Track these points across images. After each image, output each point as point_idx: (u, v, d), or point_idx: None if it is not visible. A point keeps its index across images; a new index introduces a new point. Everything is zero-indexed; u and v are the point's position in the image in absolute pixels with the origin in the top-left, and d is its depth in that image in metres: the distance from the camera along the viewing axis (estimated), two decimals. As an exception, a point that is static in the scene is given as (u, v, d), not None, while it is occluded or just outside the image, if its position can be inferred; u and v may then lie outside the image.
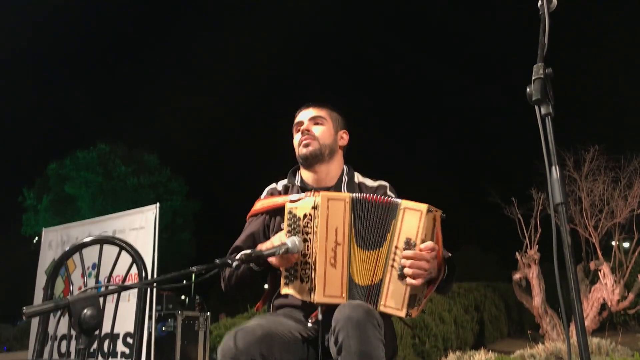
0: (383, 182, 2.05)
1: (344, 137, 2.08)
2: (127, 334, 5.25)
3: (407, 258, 1.62)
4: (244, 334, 1.59)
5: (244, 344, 1.56)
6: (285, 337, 1.68)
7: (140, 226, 5.74)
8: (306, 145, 1.99)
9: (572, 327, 5.48)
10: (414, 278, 1.61)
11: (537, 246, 7.73)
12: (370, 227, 1.71)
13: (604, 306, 7.29)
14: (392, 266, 1.66)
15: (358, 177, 2.06)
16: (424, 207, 1.65)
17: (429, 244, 1.64)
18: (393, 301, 1.64)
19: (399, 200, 1.71)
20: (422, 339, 7.35)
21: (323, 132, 2.01)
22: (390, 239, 1.67)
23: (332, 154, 2.01)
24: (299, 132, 2.03)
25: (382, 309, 1.65)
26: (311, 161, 1.99)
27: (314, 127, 2.02)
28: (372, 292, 1.68)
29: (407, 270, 1.62)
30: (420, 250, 1.62)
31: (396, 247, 1.66)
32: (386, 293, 1.65)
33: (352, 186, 1.99)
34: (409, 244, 1.64)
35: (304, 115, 2.05)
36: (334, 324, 1.56)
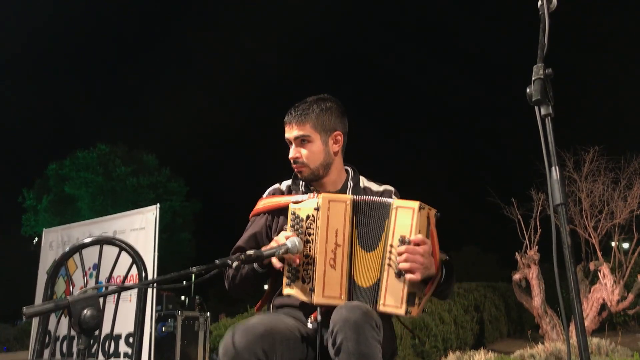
0: (389, 187, 2.03)
1: (338, 141, 1.98)
2: (129, 335, 5.25)
3: (401, 253, 1.62)
4: (246, 331, 1.59)
5: (245, 340, 1.56)
6: (286, 335, 1.68)
7: (140, 227, 5.75)
8: (299, 172, 1.96)
9: (572, 328, 5.48)
10: (409, 273, 1.61)
11: (537, 247, 7.73)
12: (371, 228, 1.71)
13: (603, 306, 7.29)
14: (389, 265, 1.66)
15: (363, 182, 2.04)
16: (415, 204, 1.65)
17: (420, 236, 1.63)
18: (392, 299, 1.64)
19: (390, 200, 1.72)
20: (422, 339, 7.35)
21: (311, 154, 1.92)
22: (385, 238, 1.67)
23: (327, 167, 1.96)
24: (290, 151, 1.97)
25: (381, 308, 1.64)
26: (309, 182, 1.99)
27: (302, 149, 1.93)
28: (373, 293, 1.67)
29: (402, 265, 1.62)
30: (413, 243, 1.62)
31: (391, 246, 1.66)
32: (385, 292, 1.65)
33: (358, 191, 1.97)
34: (403, 242, 1.64)
35: (289, 132, 1.95)
36: (332, 326, 1.56)
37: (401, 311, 1.63)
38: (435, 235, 1.70)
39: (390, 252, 1.66)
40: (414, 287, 1.65)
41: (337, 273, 1.70)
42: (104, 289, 1.42)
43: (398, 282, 1.64)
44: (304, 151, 1.93)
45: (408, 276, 1.61)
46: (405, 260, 1.61)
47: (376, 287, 1.67)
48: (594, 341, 5.82)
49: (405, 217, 1.65)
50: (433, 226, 1.70)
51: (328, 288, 1.69)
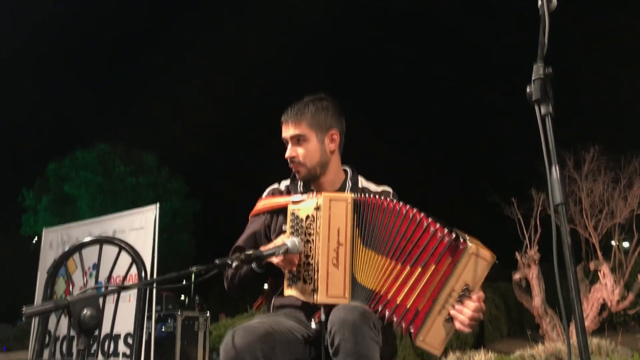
0: (387, 188, 2.02)
1: (334, 139, 1.97)
2: (128, 334, 5.25)
3: (468, 308, 1.60)
4: (246, 332, 1.59)
5: (245, 342, 1.56)
6: (287, 336, 1.68)
7: (140, 226, 5.76)
8: (297, 172, 1.96)
9: (572, 328, 5.47)
10: (467, 327, 1.60)
11: (537, 246, 7.73)
12: (384, 231, 1.69)
13: (603, 306, 7.29)
14: (444, 306, 1.63)
15: (362, 182, 2.03)
16: (492, 257, 1.63)
17: (482, 294, 1.62)
18: (434, 339, 1.63)
19: (467, 241, 1.62)
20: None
21: (308, 153, 1.92)
22: (450, 277, 1.62)
23: (325, 166, 1.95)
24: (287, 150, 1.97)
25: (419, 343, 1.63)
26: (308, 180, 1.98)
27: (298, 148, 1.93)
28: (384, 300, 1.66)
29: (463, 319, 1.60)
30: (479, 299, 1.61)
31: (453, 290, 1.62)
32: (429, 329, 1.63)
33: (356, 191, 1.96)
34: (466, 290, 1.62)
35: (286, 131, 1.95)
36: (330, 327, 1.56)
37: (438, 353, 1.63)
38: None
39: (450, 295, 1.62)
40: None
41: (340, 272, 1.69)
42: (103, 288, 1.42)
43: (447, 326, 1.63)
44: (300, 150, 1.93)
45: (463, 328, 1.60)
46: (471, 318, 1.59)
47: (419, 316, 1.63)
48: (594, 341, 5.82)
49: (477, 267, 1.62)
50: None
51: (332, 287, 1.69)
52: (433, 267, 1.63)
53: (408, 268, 1.65)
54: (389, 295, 1.66)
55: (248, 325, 1.64)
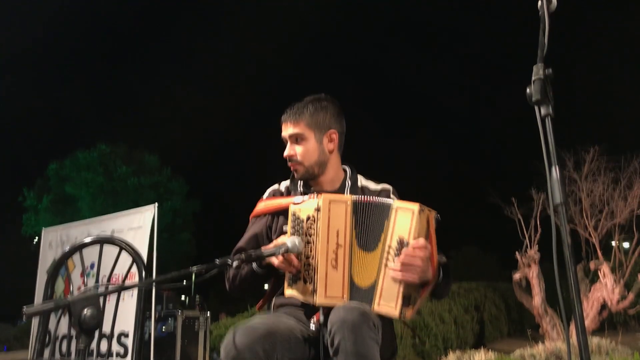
0: (386, 186, 2.03)
1: (333, 139, 1.98)
2: (121, 334, 5.25)
3: (400, 255, 1.62)
4: (247, 331, 1.60)
5: (246, 340, 1.57)
6: (287, 335, 1.69)
7: (138, 226, 5.75)
8: (295, 171, 1.98)
9: (572, 327, 5.48)
10: (401, 273, 1.60)
11: (537, 246, 7.74)
12: (370, 228, 1.71)
13: (604, 306, 7.29)
14: (386, 265, 1.65)
15: (361, 181, 2.04)
16: (415, 206, 1.64)
17: (421, 240, 1.62)
18: (386, 301, 1.63)
19: (390, 201, 1.71)
20: (422, 338, 7.35)
21: (306, 152, 1.94)
22: (384, 239, 1.67)
23: (323, 166, 1.97)
24: (286, 149, 1.99)
25: (376, 308, 1.64)
26: (306, 179, 2.00)
27: (297, 147, 1.95)
28: (369, 294, 1.67)
29: (396, 267, 1.61)
30: (413, 247, 1.61)
31: (389, 247, 1.65)
32: (380, 293, 1.65)
33: (355, 190, 1.98)
34: (401, 243, 1.63)
35: (285, 130, 1.98)
36: (330, 327, 1.57)
37: (395, 313, 1.62)
38: (434, 238, 1.69)
39: (389, 253, 1.65)
40: (410, 290, 1.64)
41: (339, 273, 1.70)
42: (103, 288, 1.42)
43: (394, 284, 1.63)
44: (298, 149, 1.95)
45: (405, 278, 1.60)
46: (403, 264, 1.60)
47: (373, 288, 1.66)
48: (594, 341, 5.82)
49: (405, 219, 1.64)
50: (432, 229, 1.69)
51: (330, 288, 1.69)
52: (381, 236, 1.68)
53: (376, 251, 1.69)
54: (369, 286, 1.68)
55: (249, 324, 1.64)
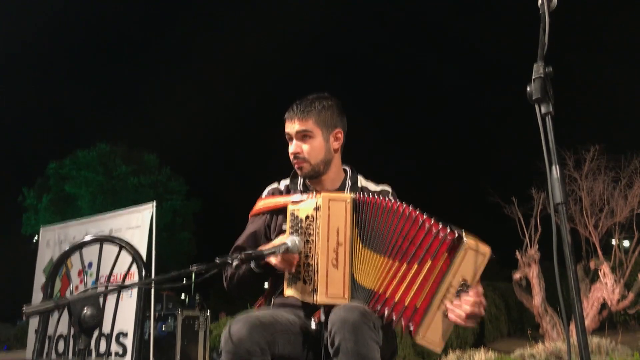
0: (386, 187, 2.03)
1: (338, 138, 1.98)
2: (120, 333, 5.24)
3: (467, 304, 1.61)
4: (247, 321, 1.60)
5: (247, 330, 1.57)
6: (288, 327, 1.69)
7: (136, 225, 5.74)
8: (299, 168, 1.95)
9: (572, 327, 5.48)
10: (465, 321, 1.61)
11: (537, 245, 7.74)
12: (384, 231, 1.69)
13: (604, 305, 7.29)
14: (442, 302, 1.63)
15: (361, 181, 2.03)
16: (488, 251, 1.64)
17: (481, 289, 1.63)
18: (434, 335, 1.63)
19: (463, 236, 1.63)
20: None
21: (313, 149, 1.92)
22: (447, 273, 1.63)
23: (328, 164, 1.95)
24: (290, 146, 1.96)
25: (419, 340, 1.63)
26: (310, 178, 1.98)
27: (303, 144, 1.92)
28: (383, 300, 1.65)
29: (461, 314, 1.60)
30: (477, 295, 1.61)
31: (450, 285, 1.63)
32: (428, 325, 1.63)
33: (355, 190, 1.97)
34: (463, 285, 1.63)
35: (291, 127, 1.94)
36: (330, 326, 1.56)
37: (438, 349, 1.63)
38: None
39: (448, 290, 1.63)
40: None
41: (339, 272, 1.69)
42: (103, 287, 1.42)
43: (447, 321, 1.63)
44: (305, 146, 1.92)
45: (466, 324, 1.61)
46: (469, 314, 1.60)
47: (418, 313, 1.63)
48: (594, 340, 5.82)
49: (474, 261, 1.63)
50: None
51: (331, 287, 1.69)
52: (429, 262, 1.64)
53: (405, 265, 1.66)
54: (387, 294, 1.66)
55: (249, 314, 1.65)
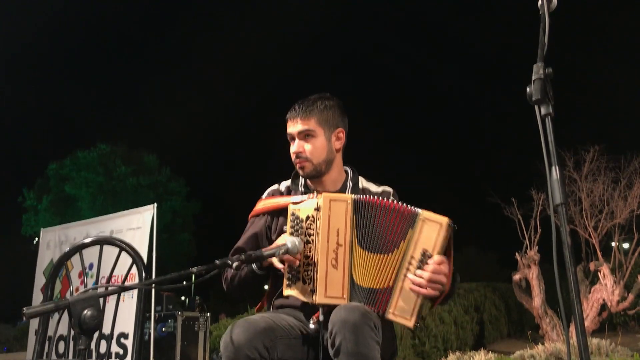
0: (387, 188, 2.03)
1: (340, 138, 1.98)
2: (120, 335, 5.23)
3: (426, 271, 1.63)
4: (247, 326, 1.60)
5: (246, 335, 1.57)
6: (287, 332, 1.69)
7: (137, 226, 5.74)
8: (301, 168, 1.95)
9: (572, 328, 5.47)
10: (426, 289, 1.62)
11: (537, 247, 7.74)
12: (377, 230, 1.70)
13: (603, 307, 7.29)
14: (405, 275, 1.66)
15: (362, 182, 2.04)
16: (444, 220, 1.65)
17: (442, 258, 1.65)
18: (402, 311, 1.65)
19: (418, 210, 1.69)
20: (422, 339, 7.35)
21: (315, 149, 1.92)
22: (406, 247, 1.67)
23: (329, 164, 1.95)
24: (292, 146, 1.96)
25: (390, 316, 1.65)
26: (312, 177, 1.98)
27: (305, 144, 1.92)
28: (377, 296, 1.67)
29: (421, 282, 1.63)
30: (438, 263, 1.63)
31: (412, 257, 1.66)
32: (396, 301, 1.66)
33: (357, 191, 1.97)
34: (424, 256, 1.65)
35: (293, 127, 1.94)
36: (331, 327, 1.57)
37: (410, 323, 1.65)
38: (452, 252, 1.70)
39: (410, 263, 1.66)
40: (424, 302, 1.67)
41: (339, 273, 1.70)
42: (103, 289, 1.42)
43: (413, 295, 1.65)
44: (307, 146, 1.92)
45: (426, 292, 1.63)
46: (429, 280, 1.62)
47: (386, 292, 1.67)
48: (594, 341, 5.82)
49: (432, 232, 1.65)
50: (451, 241, 1.69)
51: (330, 288, 1.69)
52: (402, 244, 1.68)
53: (390, 255, 1.69)
54: (378, 288, 1.68)
55: (248, 319, 1.65)
